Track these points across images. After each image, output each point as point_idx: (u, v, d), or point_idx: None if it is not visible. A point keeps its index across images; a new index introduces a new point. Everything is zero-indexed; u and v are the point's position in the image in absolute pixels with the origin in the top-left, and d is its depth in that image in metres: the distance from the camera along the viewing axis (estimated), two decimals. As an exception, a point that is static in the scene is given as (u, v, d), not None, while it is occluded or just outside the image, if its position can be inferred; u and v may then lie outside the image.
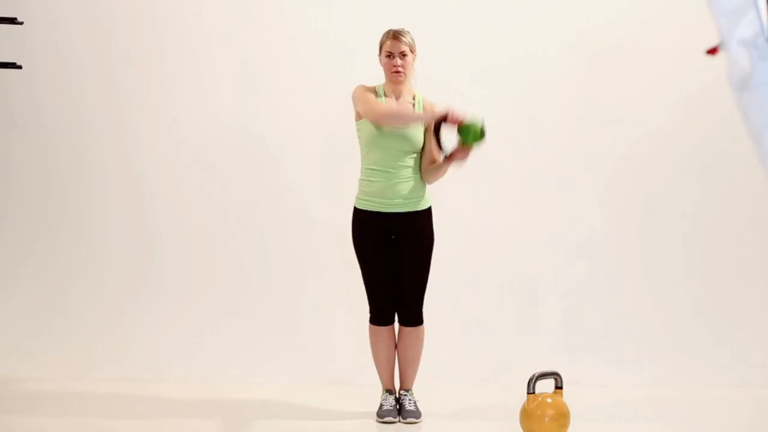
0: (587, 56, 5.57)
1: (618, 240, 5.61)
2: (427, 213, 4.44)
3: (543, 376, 3.96)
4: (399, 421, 4.41)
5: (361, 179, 4.43)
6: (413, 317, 4.46)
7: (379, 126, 4.31)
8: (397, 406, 4.47)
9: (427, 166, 4.37)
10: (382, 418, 4.41)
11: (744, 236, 5.60)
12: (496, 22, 5.60)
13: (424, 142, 4.38)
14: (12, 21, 4.22)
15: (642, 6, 5.59)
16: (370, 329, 4.49)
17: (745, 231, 5.60)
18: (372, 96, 4.35)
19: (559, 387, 4.00)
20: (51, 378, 5.03)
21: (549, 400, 3.94)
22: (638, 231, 5.62)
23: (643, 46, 5.57)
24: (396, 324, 4.51)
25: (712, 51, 2.07)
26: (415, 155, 4.38)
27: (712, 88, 5.14)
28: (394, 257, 4.41)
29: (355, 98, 4.36)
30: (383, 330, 4.47)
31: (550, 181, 5.62)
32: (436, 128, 4.23)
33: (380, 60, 4.40)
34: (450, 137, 4.21)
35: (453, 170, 4.36)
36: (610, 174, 5.62)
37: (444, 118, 4.18)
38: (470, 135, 4.12)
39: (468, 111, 4.18)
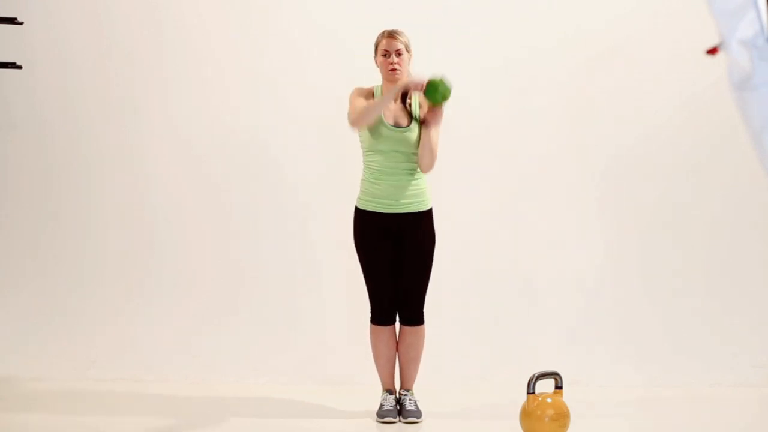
0: (587, 57, 5.57)
1: (618, 240, 5.61)
2: (429, 214, 4.46)
3: (543, 376, 3.96)
4: (399, 421, 4.41)
5: (363, 180, 4.45)
6: (414, 317, 4.47)
7: (373, 130, 4.36)
8: (397, 406, 4.47)
9: (419, 151, 4.35)
10: (382, 418, 4.41)
11: (744, 236, 5.59)
12: (494, 24, 5.59)
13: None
14: (12, 21, 4.23)
15: (642, 7, 5.58)
16: (370, 329, 4.50)
17: (745, 231, 5.59)
18: (359, 102, 4.37)
19: (559, 387, 4.00)
20: (51, 378, 5.03)
21: (549, 400, 3.94)
22: (638, 232, 5.61)
23: (644, 47, 5.56)
24: (397, 324, 4.52)
25: (712, 51, 2.08)
26: (414, 155, 4.39)
27: (713, 89, 5.14)
28: (395, 257, 4.41)
29: (349, 102, 4.41)
30: (384, 330, 4.48)
31: (549, 182, 5.62)
32: (402, 98, 4.40)
33: (376, 61, 4.44)
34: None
35: (437, 133, 4.35)
36: (610, 174, 5.62)
37: (407, 89, 4.34)
38: (437, 94, 4.24)
39: (428, 73, 4.27)
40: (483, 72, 5.56)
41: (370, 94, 4.44)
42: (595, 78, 5.58)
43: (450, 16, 5.57)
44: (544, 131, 5.62)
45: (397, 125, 4.38)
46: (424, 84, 4.25)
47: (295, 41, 5.60)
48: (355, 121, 4.34)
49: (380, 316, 4.46)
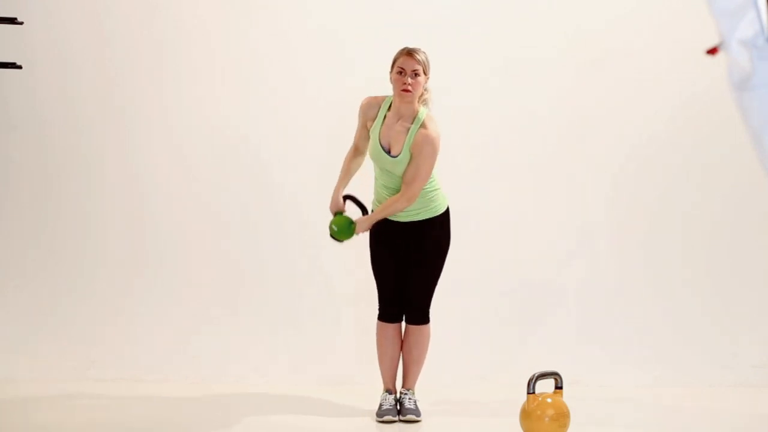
0: (587, 57, 5.57)
1: (619, 241, 5.61)
2: (440, 219, 4.41)
3: (543, 376, 3.96)
4: (399, 420, 4.41)
5: (374, 188, 4.45)
6: (419, 316, 4.47)
7: (370, 148, 4.39)
8: (397, 406, 4.47)
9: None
10: (382, 417, 4.41)
11: (745, 237, 5.59)
12: (494, 24, 5.59)
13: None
14: (12, 21, 4.21)
15: (642, 7, 5.58)
16: (377, 325, 4.50)
17: (745, 231, 5.59)
18: (359, 131, 4.45)
19: (559, 387, 4.00)
20: (51, 378, 5.03)
21: (549, 400, 3.94)
22: (640, 232, 5.61)
23: (644, 48, 5.56)
24: (403, 323, 4.52)
25: (712, 51, 2.08)
26: (401, 181, 4.37)
27: (713, 89, 5.13)
28: (405, 259, 4.41)
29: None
30: (390, 327, 4.48)
31: (551, 182, 5.62)
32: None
33: (391, 77, 4.31)
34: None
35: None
36: (610, 174, 5.62)
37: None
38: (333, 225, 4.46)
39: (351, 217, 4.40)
40: (483, 72, 5.56)
41: (377, 107, 4.37)
42: (594, 78, 5.58)
43: (450, 16, 5.57)
44: (544, 131, 5.61)
45: (387, 149, 4.33)
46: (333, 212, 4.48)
47: (295, 46, 5.59)
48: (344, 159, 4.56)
49: (387, 313, 4.47)
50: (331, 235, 4.45)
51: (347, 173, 4.52)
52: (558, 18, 5.59)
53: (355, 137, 4.50)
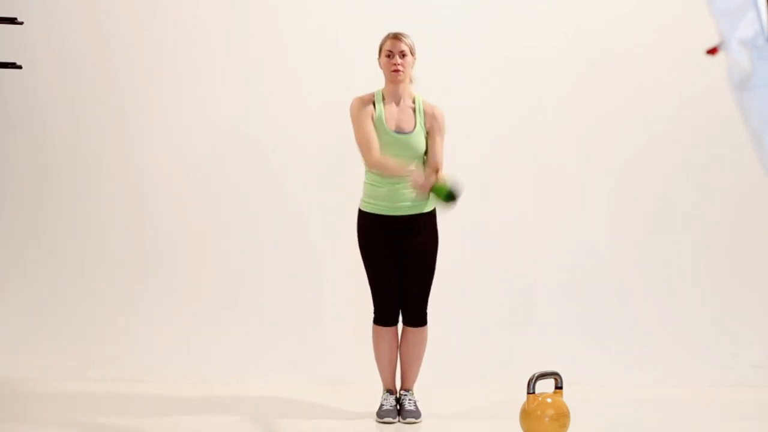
0: (587, 58, 5.57)
1: (619, 242, 5.61)
2: (432, 215, 4.45)
3: (543, 376, 3.96)
4: (399, 421, 4.42)
5: (366, 183, 4.43)
6: (417, 318, 4.47)
7: (380, 138, 4.35)
8: (397, 407, 4.48)
9: (429, 174, 4.30)
10: (382, 418, 4.41)
11: (745, 237, 5.60)
12: (494, 24, 5.60)
13: (426, 147, 4.39)
14: (12, 21, 4.22)
15: (642, 7, 5.59)
16: (373, 329, 4.50)
17: (745, 232, 5.60)
18: (366, 125, 4.33)
19: (559, 387, 4.00)
20: (50, 378, 5.03)
21: (549, 400, 3.94)
22: (640, 233, 5.62)
23: (644, 47, 5.56)
24: (399, 324, 4.52)
25: (712, 51, 2.08)
26: (418, 160, 4.39)
27: (713, 89, 5.13)
28: (398, 259, 4.41)
29: (352, 120, 4.37)
30: (387, 331, 4.48)
31: (551, 182, 5.62)
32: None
33: (380, 62, 4.41)
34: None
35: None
36: (612, 175, 5.62)
37: (414, 185, 4.23)
38: (439, 197, 4.18)
39: (445, 176, 4.23)
40: (483, 72, 5.57)
41: (370, 103, 4.39)
42: (595, 78, 5.58)
43: (450, 16, 5.57)
44: (544, 131, 5.62)
45: (399, 130, 4.36)
46: (430, 187, 4.20)
47: (294, 45, 5.60)
48: (371, 162, 4.30)
49: (383, 317, 4.46)
50: (446, 199, 4.18)
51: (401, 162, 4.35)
52: (558, 18, 5.59)
53: (369, 139, 4.32)
